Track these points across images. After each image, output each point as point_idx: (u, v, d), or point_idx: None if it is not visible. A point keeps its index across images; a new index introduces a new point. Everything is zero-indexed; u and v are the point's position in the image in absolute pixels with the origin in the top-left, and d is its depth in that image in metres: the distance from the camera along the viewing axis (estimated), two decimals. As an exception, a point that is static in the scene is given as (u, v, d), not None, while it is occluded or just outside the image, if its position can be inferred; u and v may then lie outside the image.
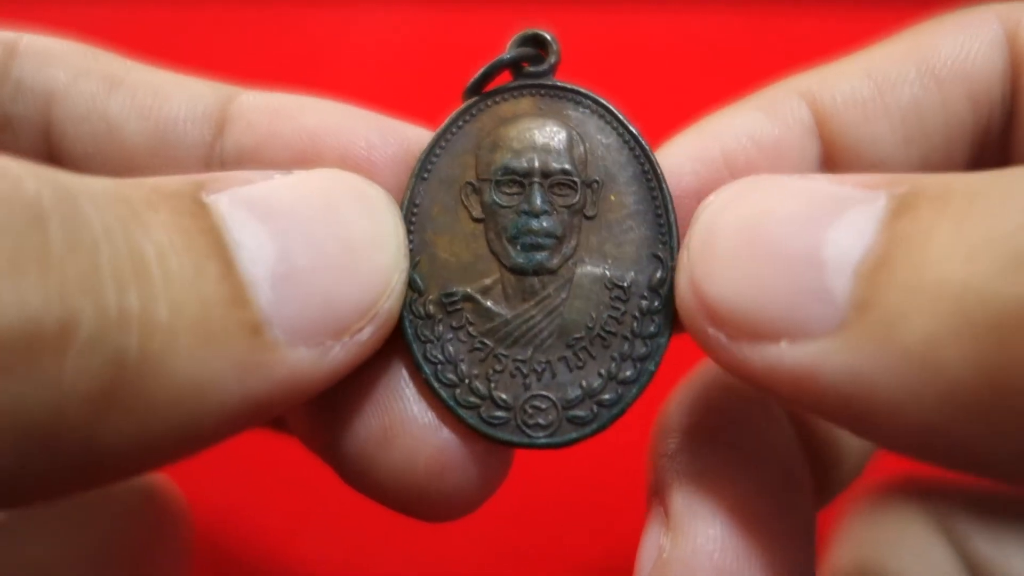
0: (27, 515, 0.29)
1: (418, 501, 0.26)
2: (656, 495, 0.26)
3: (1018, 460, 0.18)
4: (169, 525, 0.34)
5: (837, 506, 0.33)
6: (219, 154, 0.28)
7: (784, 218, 0.22)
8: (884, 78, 0.27)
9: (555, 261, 0.27)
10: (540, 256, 0.26)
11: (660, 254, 0.27)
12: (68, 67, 0.28)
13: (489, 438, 0.26)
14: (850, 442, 0.30)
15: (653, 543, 0.25)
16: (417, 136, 0.28)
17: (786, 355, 0.21)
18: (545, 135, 0.27)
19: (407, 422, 0.26)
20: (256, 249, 0.21)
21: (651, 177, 0.27)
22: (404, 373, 0.27)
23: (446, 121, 0.28)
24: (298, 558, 0.46)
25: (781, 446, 0.26)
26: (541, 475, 0.38)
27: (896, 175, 0.22)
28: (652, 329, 0.26)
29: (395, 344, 0.26)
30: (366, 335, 0.23)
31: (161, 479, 0.35)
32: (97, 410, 0.18)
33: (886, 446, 0.25)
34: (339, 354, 0.23)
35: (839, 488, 0.31)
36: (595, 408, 0.26)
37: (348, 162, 0.27)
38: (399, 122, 0.28)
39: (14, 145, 0.28)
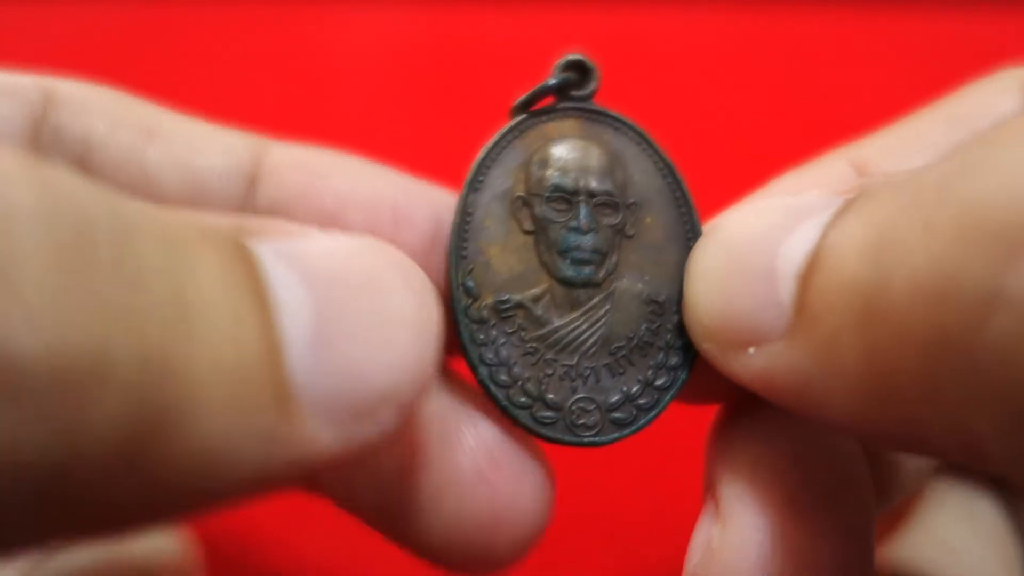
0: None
1: (468, 555, 0.27)
2: (709, 488, 0.28)
3: (921, 439, 0.21)
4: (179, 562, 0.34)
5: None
6: (251, 208, 0.28)
7: (748, 235, 0.25)
8: (916, 129, 0.30)
9: (600, 275, 0.29)
10: (587, 270, 0.29)
11: None
12: (105, 116, 0.28)
13: (540, 436, 0.28)
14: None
15: (704, 535, 0.27)
16: (443, 199, 0.29)
17: (754, 360, 0.24)
18: (590, 157, 0.30)
19: (459, 475, 0.27)
20: (296, 311, 0.20)
21: (683, 204, 0.30)
22: (453, 427, 0.28)
23: (496, 136, 0.30)
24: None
25: (836, 442, 0.28)
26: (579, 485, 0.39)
27: (865, 179, 0.25)
28: (684, 342, 0.29)
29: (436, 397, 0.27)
30: (386, 419, 0.22)
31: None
32: (118, 462, 0.17)
33: (847, 435, 0.29)
34: (357, 435, 0.22)
35: (900, 493, 0.33)
36: (634, 411, 0.29)
37: (374, 223, 0.28)
38: (427, 185, 0.30)
39: None
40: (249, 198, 0.28)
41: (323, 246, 0.22)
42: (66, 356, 0.16)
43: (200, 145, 0.28)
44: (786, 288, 0.23)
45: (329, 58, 0.61)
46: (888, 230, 0.20)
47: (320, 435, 0.20)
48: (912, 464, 0.33)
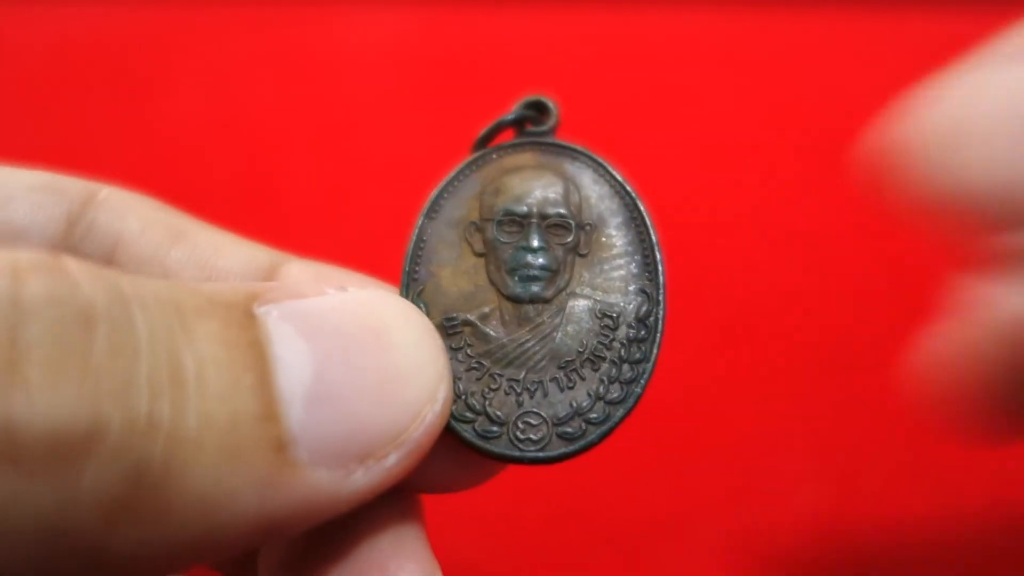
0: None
1: None
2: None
3: None
4: None
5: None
6: None
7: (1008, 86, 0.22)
8: None
9: (549, 292, 0.29)
10: (536, 287, 0.29)
11: (647, 289, 0.29)
12: (140, 217, 0.30)
13: (482, 451, 0.27)
14: None
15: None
16: None
17: None
18: (544, 184, 0.30)
19: None
20: (295, 366, 0.22)
21: (640, 223, 0.30)
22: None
23: (454, 170, 0.31)
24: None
25: None
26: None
27: None
28: (638, 356, 0.28)
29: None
30: (391, 461, 0.23)
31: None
32: (111, 517, 0.18)
33: None
34: (361, 479, 0.22)
35: None
36: (584, 425, 0.27)
37: None
38: None
39: None
40: None
41: (329, 301, 0.24)
42: (60, 428, 0.18)
43: (224, 250, 0.30)
44: None
45: (329, 59, 0.62)
46: None
47: (321, 479, 0.21)
48: None
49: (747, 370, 0.51)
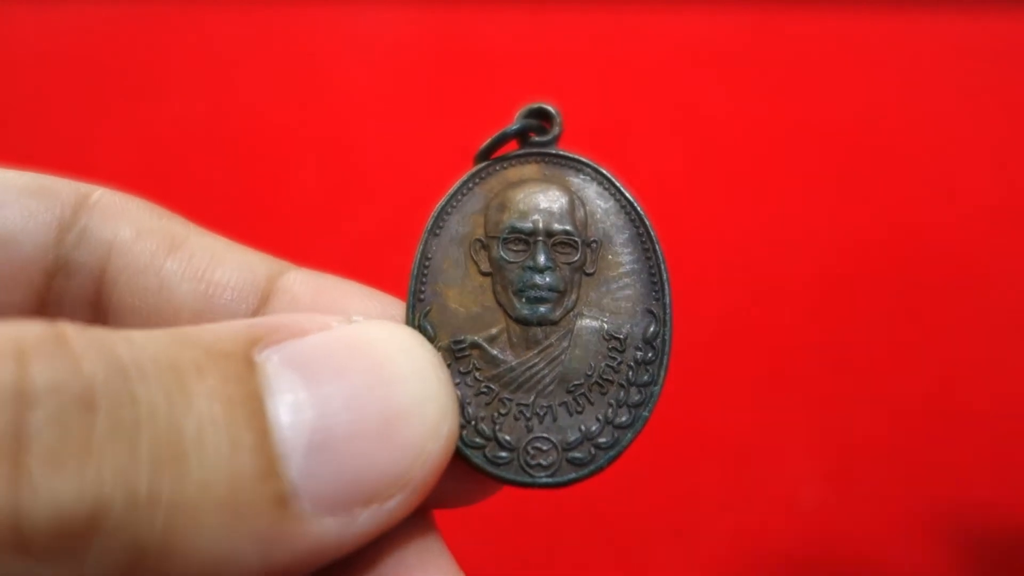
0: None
1: None
2: None
3: None
4: None
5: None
6: None
7: None
8: None
9: (557, 313, 0.29)
10: (543, 309, 0.28)
11: (653, 309, 0.29)
12: (134, 223, 0.29)
13: (494, 477, 0.27)
14: None
15: None
16: None
17: None
18: (549, 199, 0.30)
19: None
20: (295, 415, 0.21)
21: (645, 239, 0.30)
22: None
23: (457, 183, 0.30)
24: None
25: None
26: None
27: None
28: (646, 378, 0.28)
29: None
30: (394, 503, 0.23)
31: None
32: None
33: None
34: (366, 522, 0.22)
35: None
36: (593, 450, 0.28)
37: None
38: None
39: (66, 288, 0.29)
40: (260, 314, 0.28)
41: (331, 337, 0.23)
42: (64, 514, 0.18)
43: (221, 259, 0.29)
44: None
45: (332, 61, 0.62)
46: None
47: (324, 527, 0.21)
48: None
49: (749, 378, 0.52)
